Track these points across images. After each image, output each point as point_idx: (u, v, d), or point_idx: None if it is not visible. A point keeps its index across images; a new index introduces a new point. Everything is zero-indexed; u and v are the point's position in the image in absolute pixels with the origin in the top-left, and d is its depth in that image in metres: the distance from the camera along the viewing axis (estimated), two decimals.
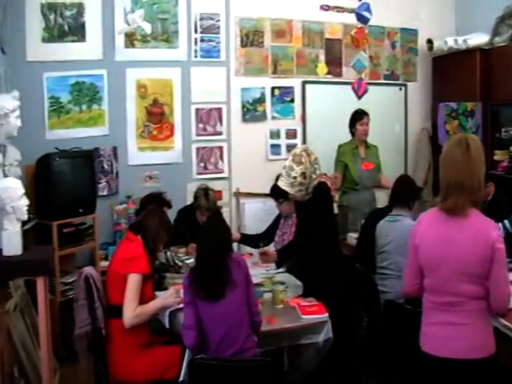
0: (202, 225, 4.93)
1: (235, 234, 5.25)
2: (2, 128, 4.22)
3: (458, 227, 2.81)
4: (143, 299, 3.74)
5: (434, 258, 2.88)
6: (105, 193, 6.12)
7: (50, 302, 3.99)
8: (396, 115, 7.44)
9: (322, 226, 4.14)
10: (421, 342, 2.98)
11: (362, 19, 5.94)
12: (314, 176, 4.19)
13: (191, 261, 4.58)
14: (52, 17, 5.94)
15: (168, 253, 4.70)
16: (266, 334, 3.63)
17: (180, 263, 4.59)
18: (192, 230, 4.99)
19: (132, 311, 3.64)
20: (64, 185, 5.28)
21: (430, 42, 7.39)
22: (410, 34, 7.53)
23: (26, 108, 4.63)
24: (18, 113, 4.31)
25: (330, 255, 4.16)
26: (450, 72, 7.15)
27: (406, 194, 4.80)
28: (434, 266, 2.87)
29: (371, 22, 6.06)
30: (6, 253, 3.53)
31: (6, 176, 4.23)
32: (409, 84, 7.55)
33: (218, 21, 6.61)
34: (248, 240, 5.44)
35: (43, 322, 3.62)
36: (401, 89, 7.48)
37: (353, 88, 6.14)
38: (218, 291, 3.41)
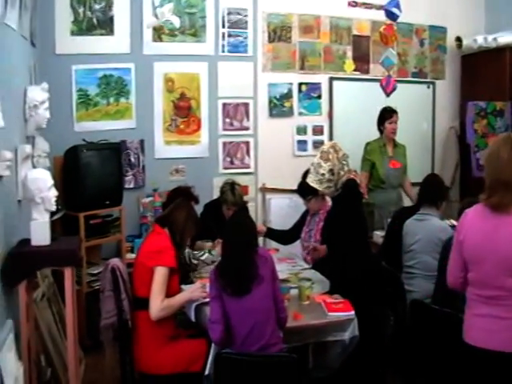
0: (228, 220, 4.93)
1: (261, 227, 5.24)
2: (31, 119, 4.25)
3: (502, 223, 2.82)
4: (169, 292, 3.74)
5: (478, 253, 2.88)
6: (131, 185, 6.16)
7: (76, 293, 4.00)
8: (424, 113, 7.37)
9: (350, 222, 4.12)
10: (464, 332, 2.98)
11: (391, 16, 5.88)
12: (342, 172, 4.18)
13: (206, 256, 4.58)
14: (81, 10, 5.98)
15: (186, 251, 4.69)
16: (291, 330, 3.62)
17: (196, 261, 4.57)
18: (218, 224, 4.98)
19: (159, 304, 3.64)
20: (91, 177, 5.31)
21: (458, 39, 7.31)
22: (438, 31, 7.44)
23: (54, 100, 4.69)
24: (47, 105, 4.35)
25: (358, 252, 4.13)
26: (479, 70, 7.08)
27: (434, 193, 4.76)
28: (478, 260, 2.88)
29: (399, 19, 6.00)
30: (34, 243, 3.53)
31: (34, 167, 4.25)
32: (437, 82, 7.47)
33: (246, 16, 6.60)
34: (274, 234, 5.42)
35: (70, 312, 3.62)
36: (429, 87, 7.41)
37: (381, 85, 6.09)
38: (245, 286, 3.40)
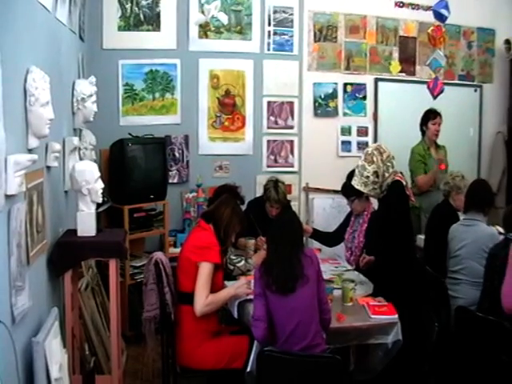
0: (274, 218, 4.91)
1: (307, 228, 5.19)
2: (79, 112, 4.31)
3: None
4: (214, 288, 3.73)
5: None
6: (175, 180, 6.19)
7: (119, 285, 4.03)
8: (470, 117, 7.25)
9: (396, 224, 4.06)
10: None
11: (440, 17, 5.79)
12: (386, 174, 4.14)
13: (242, 263, 4.56)
14: (128, 6, 6.04)
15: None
16: (334, 331, 3.57)
17: (231, 267, 4.55)
18: (261, 221, 4.97)
19: (204, 300, 3.63)
20: (136, 170, 5.36)
21: (508, 42, 7.18)
22: (487, 33, 7.31)
23: (101, 94, 4.73)
24: (94, 98, 4.41)
25: (403, 255, 4.08)
26: None
27: (482, 198, 4.68)
28: None
29: (447, 20, 5.90)
30: (80, 233, 3.58)
31: (81, 159, 4.30)
32: (484, 86, 7.34)
33: (292, 14, 6.58)
34: (319, 236, 5.35)
35: (114, 304, 3.66)
36: (476, 90, 7.29)
37: (428, 87, 5.99)
38: (290, 285, 3.36)
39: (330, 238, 5.29)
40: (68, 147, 3.93)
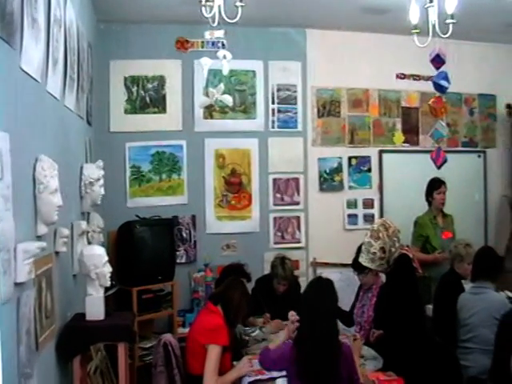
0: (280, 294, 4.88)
1: None
2: (87, 196, 4.36)
3: None
4: (222, 369, 3.74)
5: None
6: (183, 260, 6.21)
7: (128, 367, 4.00)
8: (475, 183, 7.28)
9: (404, 298, 4.06)
10: None
11: (440, 88, 5.86)
12: (393, 249, 4.17)
13: (257, 333, 4.56)
14: (134, 89, 6.20)
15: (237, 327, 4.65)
16: None
17: (246, 338, 4.54)
18: (269, 299, 4.98)
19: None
20: (144, 252, 5.40)
21: (509, 107, 7.27)
22: (488, 99, 7.42)
23: (108, 176, 4.80)
24: (102, 182, 4.46)
25: (412, 329, 4.04)
26: None
27: (489, 266, 4.67)
28: None
29: (448, 89, 6.01)
30: (89, 317, 3.57)
31: (89, 242, 4.33)
32: (488, 151, 7.40)
33: (295, 91, 6.72)
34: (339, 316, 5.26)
35: None
36: (480, 156, 7.34)
37: (431, 158, 6.04)
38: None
39: (347, 317, 5.14)
40: (76, 231, 3.97)
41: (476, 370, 4.28)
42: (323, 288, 3.52)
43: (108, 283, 3.69)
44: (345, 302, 5.24)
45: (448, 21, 4.18)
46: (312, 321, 3.39)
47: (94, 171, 4.39)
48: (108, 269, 3.67)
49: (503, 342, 3.90)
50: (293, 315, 4.19)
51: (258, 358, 3.50)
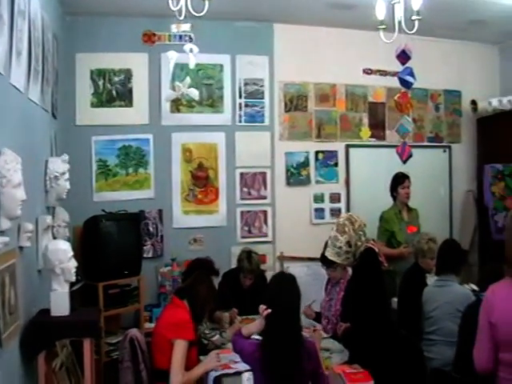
0: (247, 288, 4.88)
1: (309, 311, 5.13)
2: (52, 190, 4.31)
3: None
4: (188, 364, 3.73)
5: None
6: (150, 255, 6.17)
7: (94, 362, 3.98)
8: (440, 178, 7.36)
9: (370, 292, 4.09)
10: None
11: (405, 84, 5.90)
12: (359, 243, 4.18)
13: (217, 337, 4.55)
14: (101, 82, 6.14)
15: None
16: None
17: (206, 342, 4.53)
18: (236, 294, 4.98)
19: (180, 379, 3.62)
20: (110, 247, 5.34)
21: (474, 103, 7.33)
22: (453, 95, 7.50)
23: (74, 170, 4.75)
24: (67, 176, 4.42)
25: (378, 322, 4.07)
26: (496, 133, 7.06)
27: (453, 259, 4.74)
28: None
29: (414, 85, 6.05)
30: (54, 313, 3.56)
31: (54, 237, 4.30)
32: (453, 146, 7.48)
33: (262, 86, 6.71)
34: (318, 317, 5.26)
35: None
36: (445, 151, 7.43)
37: (397, 152, 6.09)
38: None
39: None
40: (41, 226, 3.94)
41: (440, 362, 4.33)
42: (285, 283, 3.53)
43: (73, 278, 3.68)
44: (311, 295, 5.29)
45: (414, 17, 4.23)
46: (274, 316, 3.38)
47: (59, 165, 4.35)
48: (73, 264, 3.65)
49: (466, 334, 3.95)
50: (263, 309, 4.26)
51: (231, 339, 3.49)
